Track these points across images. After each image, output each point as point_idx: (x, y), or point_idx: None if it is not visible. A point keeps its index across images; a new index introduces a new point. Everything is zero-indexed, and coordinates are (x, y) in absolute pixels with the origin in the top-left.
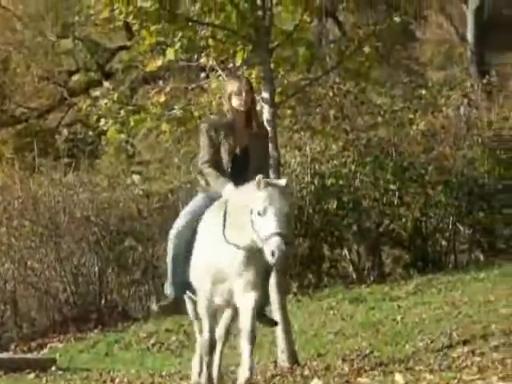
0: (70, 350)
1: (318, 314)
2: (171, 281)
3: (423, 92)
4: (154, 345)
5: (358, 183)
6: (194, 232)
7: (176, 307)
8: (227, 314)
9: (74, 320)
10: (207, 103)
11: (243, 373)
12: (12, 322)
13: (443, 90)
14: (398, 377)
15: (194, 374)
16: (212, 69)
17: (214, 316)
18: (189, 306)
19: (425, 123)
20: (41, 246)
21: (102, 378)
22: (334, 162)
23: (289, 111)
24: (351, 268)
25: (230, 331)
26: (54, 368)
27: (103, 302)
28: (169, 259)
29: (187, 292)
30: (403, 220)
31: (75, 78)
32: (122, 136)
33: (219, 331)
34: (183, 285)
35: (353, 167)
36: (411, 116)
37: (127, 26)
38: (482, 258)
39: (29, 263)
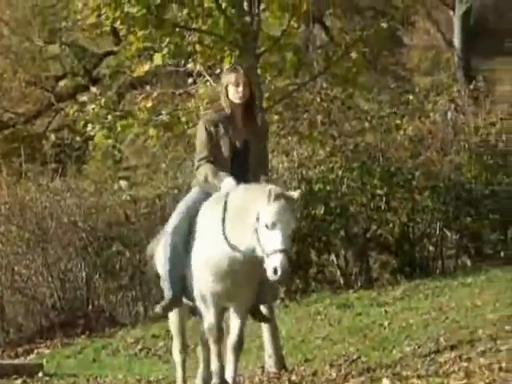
0: (57, 356)
1: (306, 319)
2: (169, 278)
3: (410, 97)
4: (141, 350)
5: (346, 188)
6: (191, 225)
7: (177, 305)
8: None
9: (61, 325)
10: (194, 108)
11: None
12: None
13: (430, 95)
14: (386, 382)
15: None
16: (199, 74)
17: (218, 304)
18: (171, 318)
19: (412, 128)
20: (28, 251)
21: (90, 383)
22: (322, 167)
23: (276, 116)
24: (339, 273)
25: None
26: (40, 374)
27: (90, 307)
28: (166, 254)
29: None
30: (390, 225)
31: (62, 83)
32: (110, 141)
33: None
34: (181, 280)
35: (340, 172)
36: (398, 121)
37: (114, 31)
38: (469, 263)
39: (16, 269)
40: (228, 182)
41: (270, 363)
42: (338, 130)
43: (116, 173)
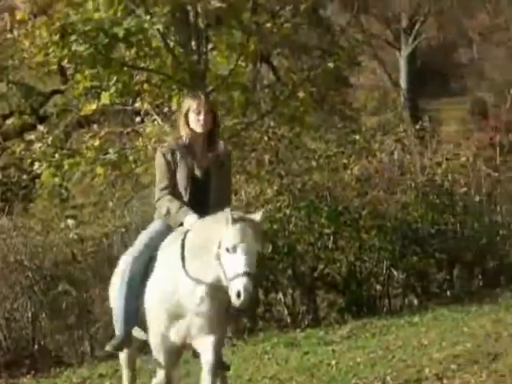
0: None
1: (253, 358)
2: (122, 315)
3: (357, 137)
4: None
5: (293, 227)
6: (151, 260)
7: (129, 343)
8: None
9: (7, 365)
10: (142, 147)
11: None
12: None
13: (377, 134)
14: None
15: None
16: (147, 113)
17: (170, 353)
18: (121, 354)
19: (359, 168)
20: None
21: None
22: (269, 206)
23: None
24: (286, 312)
25: None
26: None
27: (36, 347)
28: (120, 290)
29: (136, 328)
30: (338, 264)
31: (9, 121)
32: (57, 179)
33: None
34: (135, 316)
35: (287, 211)
36: (345, 161)
37: (62, 70)
38: (415, 302)
39: None
40: (191, 218)
41: None
42: (286, 169)
43: (63, 211)
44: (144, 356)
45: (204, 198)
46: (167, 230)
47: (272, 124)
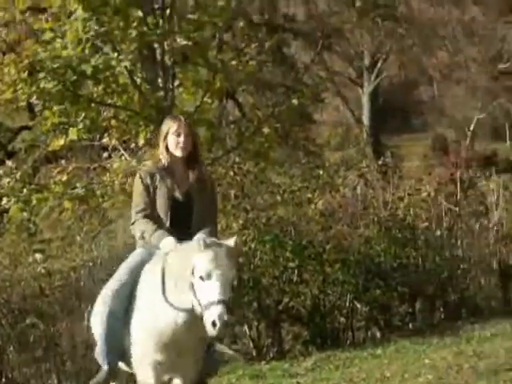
0: None
1: None
2: (105, 348)
3: (321, 172)
4: None
5: (258, 261)
6: (132, 290)
7: (114, 377)
8: None
9: None
10: (109, 182)
11: None
12: None
13: (340, 170)
14: None
15: None
16: (114, 148)
17: (159, 376)
18: None
19: (323, 202)
20: None
21: None
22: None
23: None
24: (251, 345)
25: None
26: None
27: (4, 380)
28: (103, 322)
29: (120, 362)
30: (302, 297)
31: None
32: (25, 214)
33: None
34: (119, 349)
35: (253, 245)
36: (309, 195)
37: (30, 106)
38: (378, 334)
39: None
40: (167, 241)
41: None
42: (251, 204)
43: (31, 245)
44: None
45: (187, 221)
46: (147, 259)
47: (237, 159)
